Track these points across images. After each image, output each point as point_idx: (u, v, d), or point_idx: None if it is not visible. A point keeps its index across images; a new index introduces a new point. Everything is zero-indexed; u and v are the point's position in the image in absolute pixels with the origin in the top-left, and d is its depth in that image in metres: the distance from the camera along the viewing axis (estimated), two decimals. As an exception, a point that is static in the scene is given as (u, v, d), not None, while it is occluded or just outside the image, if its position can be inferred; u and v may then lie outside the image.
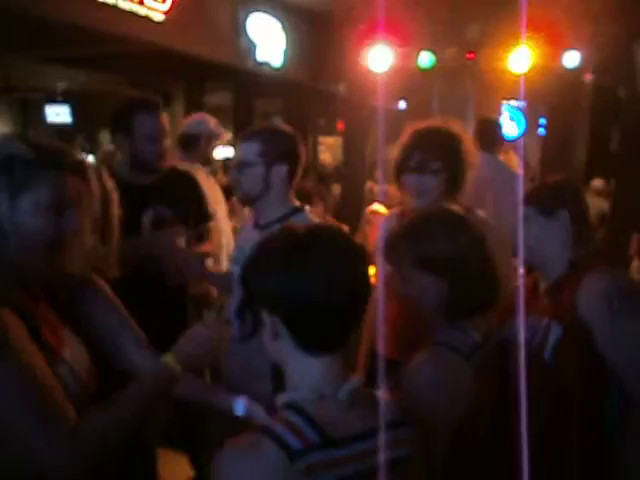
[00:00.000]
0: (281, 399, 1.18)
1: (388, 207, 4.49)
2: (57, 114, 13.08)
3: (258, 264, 1.21)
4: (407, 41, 6.39)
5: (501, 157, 4.66)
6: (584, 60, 6.22)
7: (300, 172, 2.37)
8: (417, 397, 1.46)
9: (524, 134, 8.83)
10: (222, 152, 5.94)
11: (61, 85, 12.04)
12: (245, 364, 2.17)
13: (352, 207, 6.36)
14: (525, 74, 5.69)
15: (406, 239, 1.65)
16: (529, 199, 1.94)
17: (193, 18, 6.12)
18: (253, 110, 8.82)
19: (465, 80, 7.62)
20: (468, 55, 6.65)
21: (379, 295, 1.82)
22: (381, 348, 1.95)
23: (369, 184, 7.41)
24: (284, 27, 7.46)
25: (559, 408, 1.78)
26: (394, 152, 2.38)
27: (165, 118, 2.73)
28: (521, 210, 1.89)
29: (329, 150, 11.43)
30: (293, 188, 2.37)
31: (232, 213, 4.11)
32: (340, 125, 10.65)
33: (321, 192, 5.69)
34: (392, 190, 5.47)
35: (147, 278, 2.45)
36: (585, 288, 1.78)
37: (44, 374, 1.26)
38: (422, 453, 1.28)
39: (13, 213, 1.30)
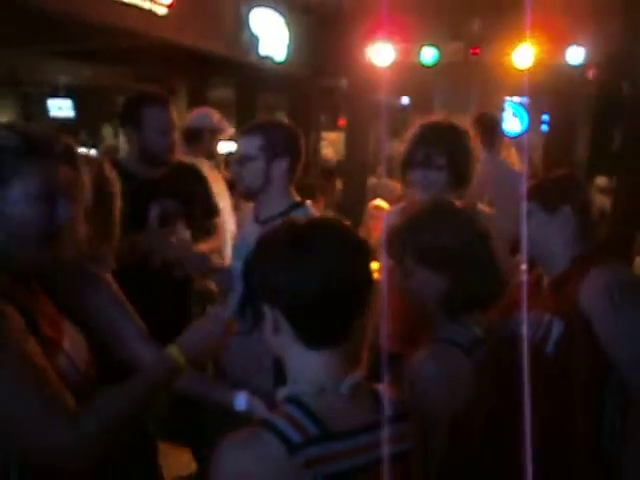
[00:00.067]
0: (282, 393, 1.19)
1: (390, 202, 4.50)
2: (60, 108, 13.09)
3: (259, 258, 1.21)
4: (410, 36, 6.38)
5: (503, 154, 4.65)
6: (587, 56, 6.21)
7: (301, 167, 2.37)
8: (419, 393, 1.46)
9: (527, 130, 8.82)
10: (225, 146, 5.94)
11: (64, 79, 12.03)
12: (246, 358, 2.18)
13: (354, 202, 6.36)
14: (528, 70, 5.69)
15: (408, 232, 1.66)
16: (532, 194, 1.94)
17: (196, 12, 6.12)
18: (256, 105, 8.82)
19: (468, 76, 7.61)
20: (472, 51, 6.64)
21: (382, 289, 1.82)
22: (383, 342, 1.95)
23: (371, 179, 7.41)
24: (287, 21, 7.45)
25: (560, 402, 1.78)
26: (400, 147, 2.38)
27: (174, 111, 2.75)
28: (524, 205, 1.89)
29: (331, 145, 11.42)
30: (294, 183, 2.38)
31: (236, 207, 4.12)
32: (342, 120, 10.65)
33: (324, 187, 5.68)
34: (394, 185, 5.46)
35: (152, 271, 2.46)
36: (587, 283, 1.79)
37: (43, 364, 1.25)
38: (420, 448, 1.28)
39: (3, 203, 1.28)
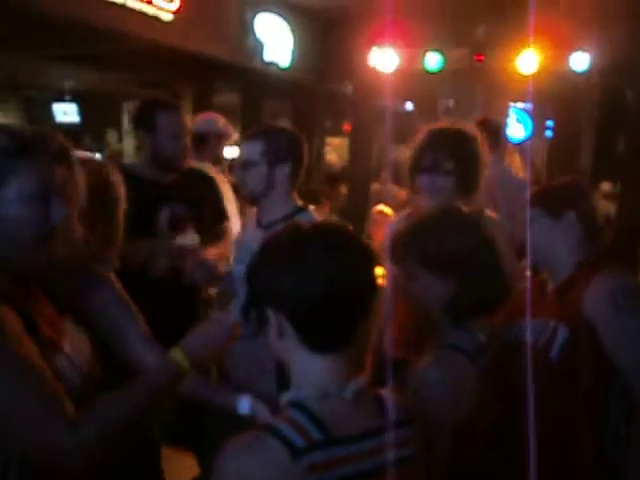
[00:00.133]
0: (285, 397, 1.18)
1: (393, 208, 4.50)
2: (64, 113, 13.12)
3: (263, 261, 1.21)
4: (415, 42, 6.39)
5: (507, 159, 4.65)
6: (591, 63, 6.21)
7: (303, 172, 2.39)
8: (423, 399, 1.46)
9: (531, 136, 8.81)
10: (230, 152, 5.96)
11: (68, 84, 12.07)
12: (249, 362, 2.18)
13: (358, 208, 6.37)
14: (532, 76, 5.69)
15: (412, 237, 1.65)
16: (536, 200, 1.94)
17: (201, 18, 6.14)
18: (260, 110, 8.84)
19: (472, 82, 7.62)
20: (476, 57, 6.64)
21: (386, 295, 1.82)
22: (388, 348, 1.95)
23: (375, 185, 7.41)
24: (291, 27, 7.47)
25: (564, 407, 1.78)
26: (406, 152, 2.38)
27: (187, 117, 2.77)
28: (528, 211, 1.89)
29: (335, 151, 11.44)
30: (297, 188, 2.39)
31: (241, 212, 4.13)
32: (347, 126, 10.66)
33: (329, 192, 5.69)
34: (397, 191, 5.45)
35: (161, 277, 2.47)
36: (591, 289, 1.79)
37: (40, 365, 1.25)
38: (424, 454, 1.28)
39: None
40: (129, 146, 11.65)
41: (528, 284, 1.84)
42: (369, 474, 1.15)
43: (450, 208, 1.78)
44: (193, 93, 8.85)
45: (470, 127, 2.39)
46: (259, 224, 2.37)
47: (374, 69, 6.41)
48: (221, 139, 4.00)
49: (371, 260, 1.23)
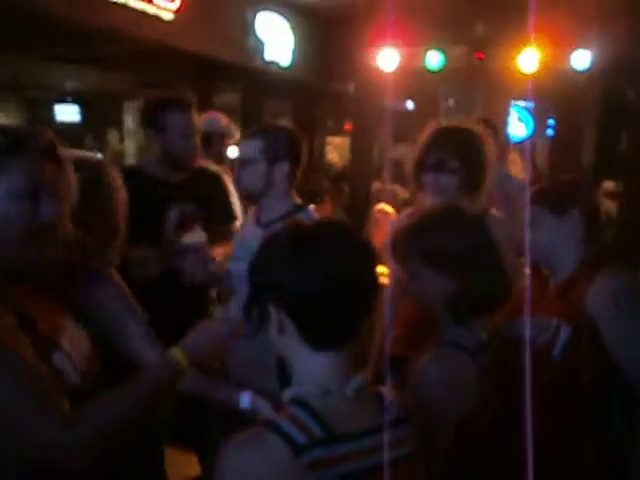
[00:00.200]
0: (287, 394, 1.18)
1: (394, 207, 4.50)
2: (66, 113, 13.14)
3: (265, 258, 1.21)
4: (415, 41, 6.38)
5: (508, 159, 4.64)
6: (593, 61, 6.20)
7: (302, 170, 2.39)
8: (423, 396, 1.46)
9: (532, 135, 8.80)
10: (233, 151, 5.96)
11: (70, 84, 12.08)
12: (249, 360, 2.18)
13: (359, 206, 6.37)
14: (533, 74, 5.68)
15: (414, 234, 1.65)
16: (539, 198, 1.93)
17: (202, 17, 6.14)
18: (262, 110, 8.84)
19: (473, 80, 7.60)
20: (477, 55, 6.63)
21: (388, 293, 1.82)
22: (388, 345, 1.95)
23: (376, 184, 7.41)
24: (292, 26, 7.47)
25: (567, 405, 1.78)
26: (412, 151, 2.38)
27: (196, 116, 2.78)
28: (528, 209, 1.89)
29: (336, 150, 11.44)
30: (298, 186, 2.40)
31: (245, 211, 4.13)
32: (348, 125, 10.66)
33: (332, 191, 5.69)
34: (398, 190, 5.44)
35: (167, 276, 2.47)
36: (594, 287, 1.79)
37: (34, 364, 1.25)
38: (423, 451, 1.28)
39: None
40: (130, 146, 11.66)
41: (528, 282, 1.84)
42: (369, 471, 1.15)
43: (452, 206, 1.78)
44: (194, 93, 8.85)
45: (476, 125, 2.38)
46: (258, 222, 2.38)
47: (375, 68, 6.40)
48: (225, 138, 4.01)
49: (372, 257, 1.23)
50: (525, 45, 5.86)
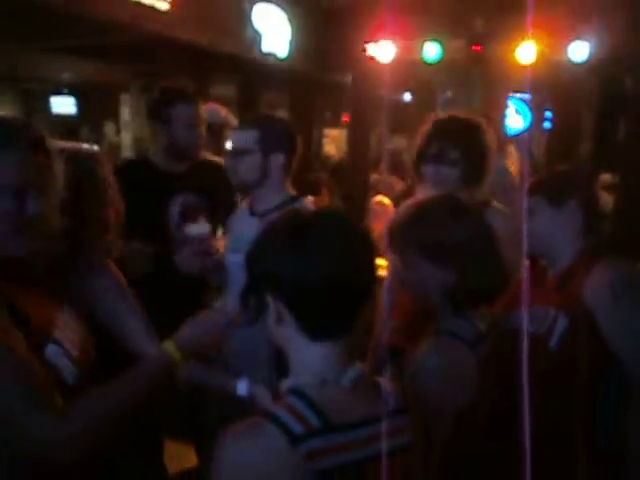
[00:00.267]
0: (284, 384, 1.18)
1: (391, 199, 4.49)
2: (62, 105, 13.10)
3: (263, 247, 1.21)
4: (413, 33, 6.36)
5: (504, 152, 4.64)
6: (590, 52, 6.19)
7: (296, 162, 2.39)
8: (420, 386, 1.46)
9: (530, 127, 8.80)
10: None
11: (66, 76, 12.04)
12: (246, 349, 2.18)
13: (357, 199, 6.36)
14: (531, 66, 5.66)
15: (410, 225, 1.65)
16: (537, 189, 1.93)
17: (198, 7, 6.11)
18: (258, 101, 8.82)
19: (471, 72, 7.59)
20: (474, 47, 6.62)
21: (386, 284, 1.82)
22: (386, 336, 1.95)
23: (373, 176, 7.40)
24: (290, 18, 7.44)
25: (563, 395, 1.78)
26: (413, 142, 2.37)
27: (202, 107, 2.78)
28: (525, 200, 1.88)
29: (334, 142, 11.42)
30: (293, 178, 2.39)
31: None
32: (345, 117, 10.64)
33: (329, 183, 5.68)
34: (395, 181, 5.43)
35: (166, 268, 2.47)
36: (591, 278, 1.79)
37: (26, 358, 1.24)
38: (421, 441, 1.27)
39: None
40: (127, 138, 11.63)
41: (525, 272, 1.84)
42: (367, 462, 1.15)
43: (449, 197, 1.78)
44: (190, 84, 8.83)
45: (478, 117, 2.37)
46: (252, 212, 2.37)
47: (373, 60, 6.39)
48: (224, 129, 4.01)
49: (371, 247, 1.22)
50: (523, 37, 5.85)
